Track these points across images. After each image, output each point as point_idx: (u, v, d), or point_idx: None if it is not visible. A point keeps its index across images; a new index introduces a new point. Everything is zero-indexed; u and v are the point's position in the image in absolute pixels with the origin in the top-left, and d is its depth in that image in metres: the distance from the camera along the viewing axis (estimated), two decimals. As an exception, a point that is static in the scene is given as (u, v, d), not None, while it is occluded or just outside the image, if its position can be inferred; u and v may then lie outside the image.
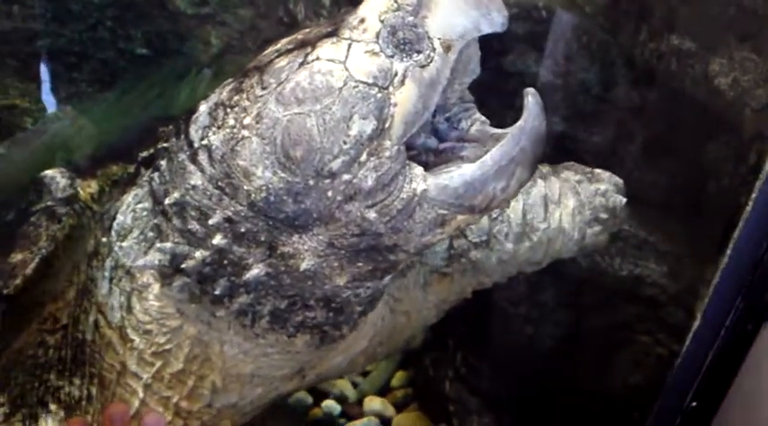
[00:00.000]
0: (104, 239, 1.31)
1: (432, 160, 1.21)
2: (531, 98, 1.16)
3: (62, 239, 1.29)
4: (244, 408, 1.36)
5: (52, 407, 1.31)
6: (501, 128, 1.21)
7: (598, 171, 1.61)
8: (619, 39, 1.71)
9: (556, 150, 1.83)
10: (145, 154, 1.36)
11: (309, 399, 2.12)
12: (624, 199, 1.59)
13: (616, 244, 1.82)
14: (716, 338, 1.32)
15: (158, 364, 1.28)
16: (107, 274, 1.29)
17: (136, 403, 1.29)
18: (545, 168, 1.58)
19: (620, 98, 1.75)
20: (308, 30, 1.19)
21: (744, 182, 1.39)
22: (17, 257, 1.26)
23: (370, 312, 1.33)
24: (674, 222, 1.78)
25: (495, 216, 1.50)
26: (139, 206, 1.29)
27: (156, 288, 1.25)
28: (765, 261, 1.27)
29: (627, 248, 1.82)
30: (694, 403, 1.37)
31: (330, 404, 2.13)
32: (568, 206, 1.55)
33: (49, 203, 1.31)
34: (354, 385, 2.19)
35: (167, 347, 1.27)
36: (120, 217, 1.31)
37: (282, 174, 1.10)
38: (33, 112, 2.07)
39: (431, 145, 1.23)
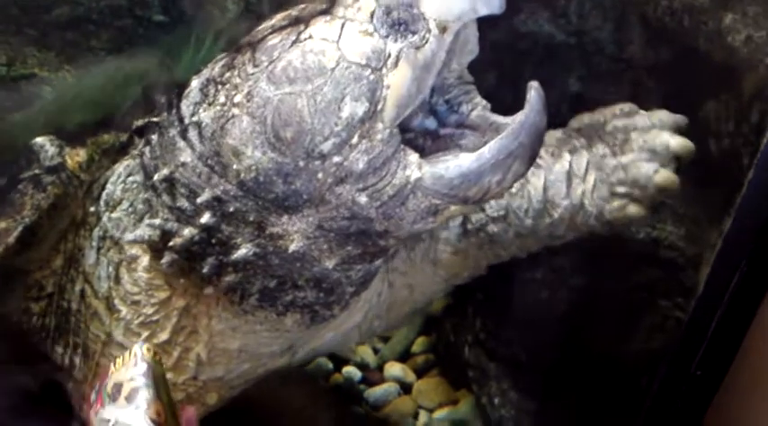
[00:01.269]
0: (92, 208, 1.31)
1: (429, 145, 1.19)
2: (533, 92, 1.13)
3: (46, 208, 1.29)
4: (231, 382, 1.36)
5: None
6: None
7: (636, 134, 1.52)
8: (632, -5, 1.67)
9: (571, 110, 1.80)
10: (139, 122, 1.35)
11: (330, 365, 2.12)
12: (656, 167, 1.48)
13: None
14: (720, 305, 1.29)
15: (145, 334, 1.27)
16: (95, 244, 1.29)
17: None
18: (579, 141, 1.53)
19: (634, 57, 1.71)
20: (303, 6, 1.16)
21: (752, 142, 1.35)
22: (0, 225, 1.27)
23: (364, 291, 1.31)
24: (691, 183, 1.73)
25: (514, 190, 1.47)
26: (130, 178, 1.28)
27: (145, 260, 1.24)
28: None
29: (644, 211, 1.78)
30: (699, 372, 1.34)
31: (351, 370, 2.13)
32: (589, 181, 1.50)
33: (36, 171, 1.31)
34: (375, 351, 2.18)
35: (155, 318, 1.27)
36: (109, 187, 1.31)
37: (272, 155, 1.09)
38: (52, 81, 2.08)
39: (429, 126, 1.21)
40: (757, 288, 1.26)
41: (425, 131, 1.20)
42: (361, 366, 2.14)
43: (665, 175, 1.46)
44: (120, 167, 1.32)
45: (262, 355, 1.34)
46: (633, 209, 1.51)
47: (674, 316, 1.75)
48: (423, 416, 2.04)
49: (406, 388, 2.09)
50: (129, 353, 1.01)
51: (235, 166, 1.11)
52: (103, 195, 1.31)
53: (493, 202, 1.46)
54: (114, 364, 1.02)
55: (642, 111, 1.53)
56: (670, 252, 1.78)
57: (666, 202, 1.76)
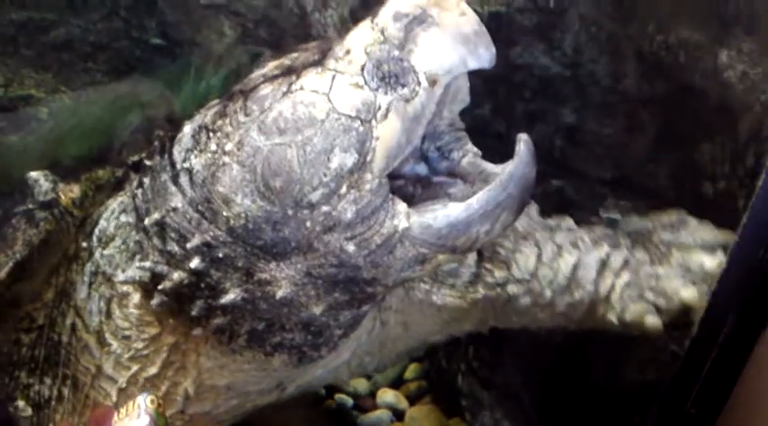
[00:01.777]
0: (84, 243, 1.32)
1: (419, 192, 1.19)
2: (522, 145, 1.14)
3: (38, 244, 1.30)
4: (218, 416, 1.37)
5: (20, 404, 1.33)
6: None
7: (677, 250, 1.51)
8: (627, 30, 1.67)
9: (567, 141, 1.81)
10: (135, 158, 1.35)
11: (322, 391, 2.12)
12: (686, 284, 1.48)
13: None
14: (715, 344, 1.29)
15: (134, 368, 1.28)
16: (86, 279, 1.30)
17: (109, 404, 1.30)
18: (624, 240, 1.53)
19: (629, 90, 1.71)
20: (295, 54, 1.17)
21: (746, 185, 1.36)
22: None
23: (353, 333, 1.32)
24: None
25: (546, 260, 1.47)
26: (123, 215, 1.30)
27: (136, 297, 1.25)
28: (764, 266, 1.23)
29: (638, 243, 1.78)
30: (693, 410, 1.33)
31: (343, 397, 2.12)
32: (622, 278, 1.50)
33: (30, 206, 1.33)
34: (368, 377, 2.17)
35: (145, 352, 1.28)
36: (102, 223, 1.32)
37: (261, 203, 1.10)
38: (49, 102, 2.08)
39: (420, 171, 1.22)
40: (753, 327, 1.26)
41: (416, 178, 1.20)
42: (354, 392, 2.13)
43: (691, 292, 1.45)
44: (114, 203, 1.33)
45: (250, 392, 1.35)
46: (651, 320, 1.50)
47: (669, 350, 1.74)
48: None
49: (398, 415, 2.09)
50: (133, 404, 1.01)
51: (225, 213, 1.12)
52: (96, 231, 1.32)
53: (521, 263, 1.46)
54: (118, 414, 1.03)
55: (691, 221, 1.53)
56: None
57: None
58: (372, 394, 2.15)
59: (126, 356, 1.28)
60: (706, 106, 1.59)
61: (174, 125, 1.28)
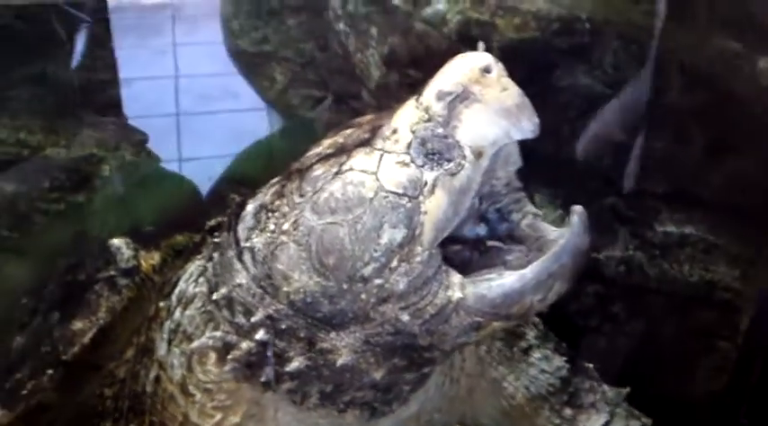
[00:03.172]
0: (162, 303, 1.37)
1: (476, 258, 1.21)
2: (575, 217, 1.14)
3: (120, 310, 1.38)
4: None
5: None
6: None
7: None
8: (665, 43, 1.68)
9: (617, 158, 1.81)
10: (212, 222, 1.41)
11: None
12: None
13: (684, 250, 1.79)
14: (763, 354, 1.28)
15: (218, 417, 1.32)
16: (165, 336, 1.35)
17: None
18: None
19: (673, 103, 1.72)
20: (349, 131, 1.21)
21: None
22: (77, 325, 1.37)
23: (421, 388, 1.34)
24: (743, 225, 1.73)
25: None
26: (201, 278, 1.33)
27: (213, 357, 1.29)
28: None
29: (696, 253, 1.78)
30: (745, 421, 1.33)
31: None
32: None
33: (112, 273, 1.41)
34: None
35: (227, 403, 1.31)
36: (182, 285, 1.36)
37: (318, 279, 1.13)
38: (109, 160, 2.15)
39: (480, 232, 1.24)
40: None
41: (473, 243, 1.23)
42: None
43: None
44: (192, 266, 1.38)
45: None
46: None
47: (733, 359, 1.74)
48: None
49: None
50: None
51: (285, 289, 1.16)
52: (176, 291, 1.37)
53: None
54: None
55: None
56: (726, 294, 1.77)
57: (718, 244, 1.76)
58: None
59: (210, 405, 1.32)
60: (749, 114, 1.59)
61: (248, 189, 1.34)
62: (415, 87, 1.79)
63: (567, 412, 1.49)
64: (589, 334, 1.88)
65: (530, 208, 1.23)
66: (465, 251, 1.22)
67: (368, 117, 1.24)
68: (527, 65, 1.76)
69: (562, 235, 1.15)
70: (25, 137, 2.06)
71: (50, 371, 1.37)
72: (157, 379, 1.37)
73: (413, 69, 1.89)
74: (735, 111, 1.62)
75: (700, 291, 1.79)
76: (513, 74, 1.15)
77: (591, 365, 1.53)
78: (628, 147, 1.80)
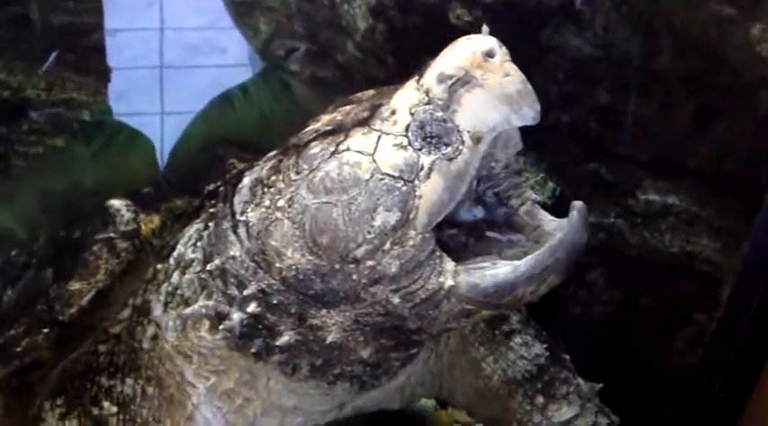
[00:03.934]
0: (160, 266, 1.38)
1: (471, 244, 1.22)
2: (575, 213, 1.14)
3: (119, 273, 1.38)
4: None
5: (105, 404, 1.39)
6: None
7: None
8: (658, 6, 1.64)
9: (602, 122, 1.78)
10: (210, 187, 1.40)
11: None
12: None
13: (666, 219, 1.77)
14: (742, 326, 1.26)
15: (213, 379, 1.34)
16: (162, 298, 1.36)
17: (190, 407, 1.37)
18: None
19: (664, 68, 1.68)
20: (348, 108, 1.21)
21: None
22: (75, 286, 1.38)
23: (410, 363, 1.37)
24: (727, 197, 1.71)
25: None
26: (200, 243, 1.34)
27: (207, 324, 1.30)
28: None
29: (678, 223, 1.76)
30: (722, 394, 1.31)
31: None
32: None
33: (111, 234, 1.41)
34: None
35: (220, 368, 1.33)
36: (180, 248, 1.37)
37: (310, 257, 1.14)
38: (91, 105, 2.12)
39: (477, 215, 1.23)
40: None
41: (469, 227, 1.22)
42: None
43: None
44: (191, 230, 1.38)
45: (314, 412, 1.40)
46: None
47: (710, 332, 1.72)
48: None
49: (442, 403, 2.07)
50: None
51: (277, 265, 1.17)
52: (174, 254, 1.37)
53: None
54: None
55: None
56: (706, 266, 1.75)
57: (701, 215, 1.73)
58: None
59: (205, 368, 1.34)
60: (740, 82, 1.56)
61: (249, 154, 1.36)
62: (401, 40, 1.77)
63: (540, 399, 1.51)
64: (564, 302, 1.86)
65: (529, 194, 1.23)
66: (461, 235, 1.22)
67: (369, 92, 1.24)
68: (515, 23, 1.73)
69: (560, 227, 1.15)
70: (6, 77, 2.05)
71: (46, 330, 1.38)
72: (154, 337, 1.38)
73: (400, 22, 1.85)
74: (726, 79, 1.59)
75: (680, 262, 1.77)
76: (500, 32, 1.15)
77: (568, 356, 1.54)
78: (614, 112, 1.76)
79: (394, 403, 1.58)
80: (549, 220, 1.19)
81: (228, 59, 2.74)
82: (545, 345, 1.52)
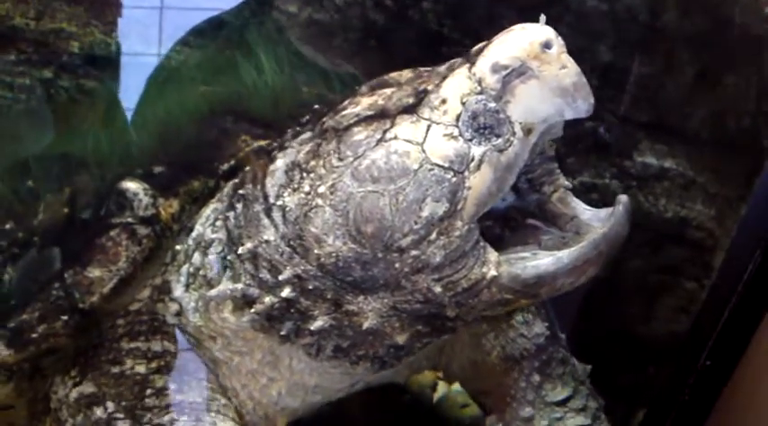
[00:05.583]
0: (179, 246, 1.36)
1: (507, 235, 1.22)
2: (621, 207, 1.16)
3: (141, 261, 1.33)
4: (302, 408, 1.45)
5: (127, 362, 1.36)
6: None
7: None
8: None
9: (602, 80, 1.73)
10: (225, 167, 1.38)
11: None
12: None
13: (661, 183, 1.73)
14: (732, 295, 1.24)
15: (237, 359, 1.35)
16: (183, 279, 1.35)
17: (220, 376, 1.37)
18: None
19: (668, 26, 1.64)
20: (389, 91, 1.18)
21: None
22: (94, 272, 1.32)
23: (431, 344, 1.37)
24: (724, 163, 1.67)
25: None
26: (218, 222, 1.32)
27: (230, 305, 1.29)
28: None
29: (673, 188, 1.73)
30: (709, 362, 1.29)
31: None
32: None
33: (130, 220, 1.34)
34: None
35: (243, 349, 1.33)
36: (198, 228, 1.35)
37: (352, 245, 1.13)
38: (80, 37, 2.07)
39: (509, 200, 1.24)
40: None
41: (504, 218, 1.23)
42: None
43: None
44: (208, 209, 1.36)
45: (332, 390, 1.41)
46: None
47: (699, 299, 1.69)
48: (441, 387, 2.02)
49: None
50: None
51: (316, 251, 1.15)
52: (193, 235, 1.35)
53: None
54: None
55: None
56: (699, 233, 1.72)
57: (697, 180, 1.70)
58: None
59: (228, 348, 1.34)
60: (745, 44, 1.53)
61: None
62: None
63: (535, 378, 1.50)
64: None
65: (561, 180, 1.24)
66: (497, 226, 1.23)
67: (406, 74, 1.22)
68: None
69: (597, 217, 1.17)
70: (-8, 4, 1.99)
71: (65, 317, 1.33)
72: (178, 314, 1.36)
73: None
74: (731, 41, 1.55)
75: (672, 228, 1.75)
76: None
77: (563, 335, 1.54)
78: (615, 70, 1.72)
79: (401, 377, 1.59)
80: (583, 209, 1.20)
81: (228, 3, 2.69)
82: (545, 324, 1.51)
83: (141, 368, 1.35)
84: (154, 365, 1.35)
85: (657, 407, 1.49)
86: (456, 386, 1.98)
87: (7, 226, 1.45)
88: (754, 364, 1.27)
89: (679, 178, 1.73)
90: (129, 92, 1.80)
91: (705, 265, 1.69)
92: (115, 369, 1.35)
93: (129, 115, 1.67)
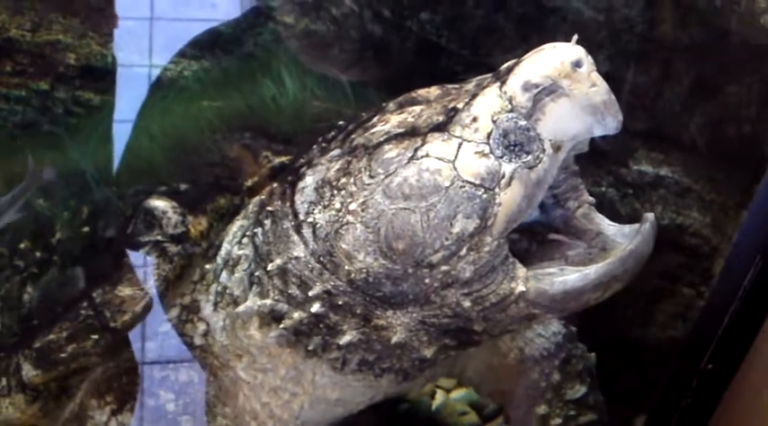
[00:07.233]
0: (208, 266, 1.37)
1: (533, 250, 1.23)
2: (648, 225, 1.17)
3: (173, 279, 1.36)
4: (323, 422, 1.46)
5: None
6: None
7: None
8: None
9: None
10: (249, 183, 1.40)
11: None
12: None
13: (658, 191, 1.75)
14: (734, 299, 1.26)
15: (260, 377, 1.36)
16: (211, 298, 1.37)
17: (241, 398, 1.39)
18: None
19: (664, 36, 1.65)
20: (418, 109, 1.20)
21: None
22: (125, 291, 1.33)
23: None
24: (720, 171, 1.69)
25: None
26: (245, 239, 1.34)
27: (256, 322, 1.31)
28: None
29: (669, 195, 1.74)
30: (710, 366, 1.31)
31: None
32: None
33: (159, 238, 1.36)
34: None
35: (268, 366, 1.34)
36: (226, 246, 1.37)
37: (383, 261, 1.14)
38: (76, 48, 2.07)
39: (534, 215, 1.24)
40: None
41: (530, 233, 1.23)
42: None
43: None
44: (234, 227, 1.38)
45: (354, 402, 1.42)
46: None
47: (697, 306, 1.71)
48: (440, 396, 2.02)
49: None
50: None
51: (346, 267, 1.17)
52: (221, 253, 1.37)
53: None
54: None
55: None
56: (694, 240, 1.73)
57: (693, 188, 1.71)
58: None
59: (253, 366, 1.36)
60: (741, 54, 1.54)
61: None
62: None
63: (556, 377, 1.51)
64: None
65: (586, 196, 1.25)
66: (523, 241, 1.23)
67: (434, 91, 1.24)
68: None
69: (622, 233, 1.18)
70: (-11, 16, 1.98)
71: (95, 336, 1.33)
72: (205, 334, 1.38)
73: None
74: (727, 51, 1.57)
75: (669, 235, 1.75)
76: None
77: (575, 328, 1.54)
78: (612, 79, 1.73)
79: (417, 387, 1.61)
80: (607, 225, 1.21)
81: (219, 14, 2.70)
82: (562, 322, 1.52)
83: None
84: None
85: (659, 412, 1.50)
86: (454, 394, 1.99)
87: (22, 246, 1.44)
88: (755, 368, 1.28)
89: (674, 186, 1.74)
90: (130, 103, 1.80)
91: (702, 272, 1.70)
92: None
93: (128, 127, 1.67)
